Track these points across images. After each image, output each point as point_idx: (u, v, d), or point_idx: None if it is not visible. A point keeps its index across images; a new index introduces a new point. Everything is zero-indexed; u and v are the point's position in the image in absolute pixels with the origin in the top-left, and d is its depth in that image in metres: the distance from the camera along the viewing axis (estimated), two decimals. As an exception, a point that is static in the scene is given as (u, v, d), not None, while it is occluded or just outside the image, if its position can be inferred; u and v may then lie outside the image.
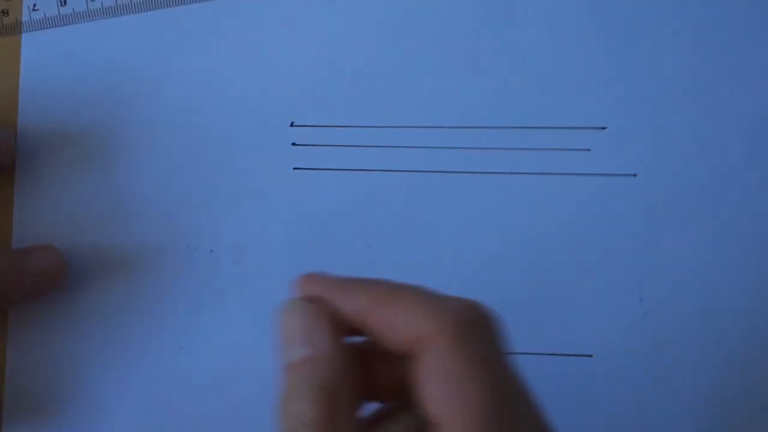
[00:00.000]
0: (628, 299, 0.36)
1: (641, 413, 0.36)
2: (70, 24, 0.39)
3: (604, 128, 0.37)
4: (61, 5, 0.39)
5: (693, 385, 0.36)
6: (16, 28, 0.39)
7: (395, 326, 0.26)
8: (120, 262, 0.38)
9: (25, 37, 0.39)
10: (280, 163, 0.38)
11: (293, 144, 0.38)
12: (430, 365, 0.25)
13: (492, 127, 0.38)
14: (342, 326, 0.27)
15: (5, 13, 0.39)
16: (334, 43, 0.38)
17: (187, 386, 0.37)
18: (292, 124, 0.38)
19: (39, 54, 0.39)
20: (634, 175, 0.37)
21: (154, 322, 0.37)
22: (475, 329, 0.25)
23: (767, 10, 0.37)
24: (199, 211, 0.38)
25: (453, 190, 0.38)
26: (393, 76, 0.38)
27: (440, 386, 0.24)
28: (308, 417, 0.25)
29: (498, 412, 0.24)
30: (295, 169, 0.38)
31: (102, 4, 0.39)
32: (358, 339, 0.27)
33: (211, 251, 0.38)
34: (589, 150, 0.37)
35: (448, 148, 0.38)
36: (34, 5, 0.39)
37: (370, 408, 0.28)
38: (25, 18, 0.39)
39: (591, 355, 0.36)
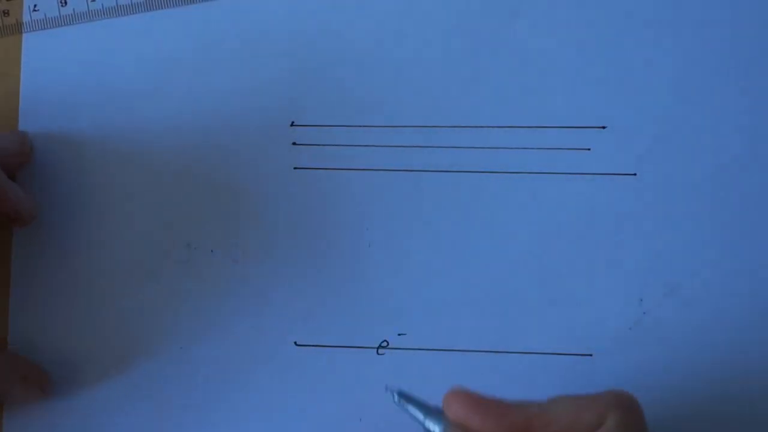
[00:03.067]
0: (628, 299, 0.36)
1: (641, 413, 0.36)
2: (70, 24, 0.39)
3: (604, 128, 0.37)
4: (62, 6, 0.39)
5: (693, 384, 0.36)
6: (16, 29, 0.39)
7: (556, 428, 0.28)
8: (120, 261, 0.38)
9: (26, 38, 0.39)
10: (280, 162, 0.38)
11: (293, 144, 0.38)
12: None
13: (492, 127, 0.38)
14: None
15: (6, 13, 0.39)
16: (334, 42, 0.38)
17: (187, 386, 0.37)
18: (292, 124, 0.38)
19: (39, 54, 0.39)
20: (634, 175, 0.37)
21: (155, 322, 0.37)
22: (632, 417, 0.28)
23: (767, 10, 0.37)
24: (199, 211, 0.38)
25: (453, 190, 0.38)
26: (393, 76, 0.38)
27: None
28: None
29: None
30: (295, 168, 0.38)
31: (102, 4, 0.39)
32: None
33: (211, 251, 0.38)
34: (589, 149, 0.37)
35: (449, 147, 0.38)
36: (35, 6, 0.39)
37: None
38: (25, 18, 0.39)
39: (591, 355, 0.36)
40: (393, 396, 0.32)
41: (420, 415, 0.31)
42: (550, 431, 0.28)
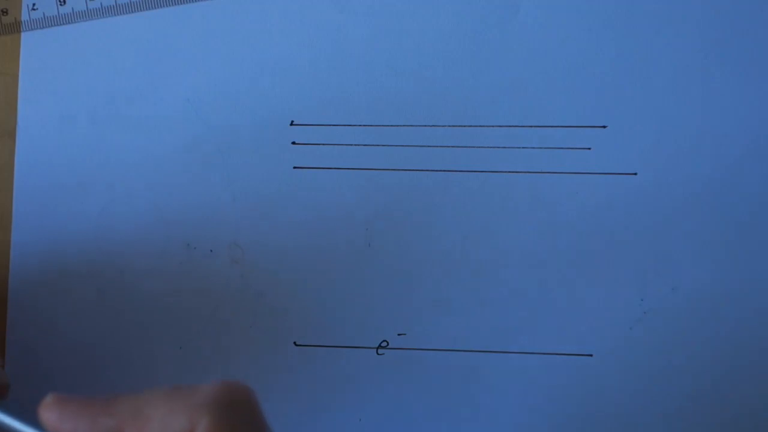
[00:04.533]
0: (628, 299, 0.36)
1: (641, 413, 0.36)
2: (69, 23, 0.39)
3: (604, 127, 0.37)
4: (61, 4, 0.39)
5: (693, 384, 0.36)
6: (15, 28, 0.39)
7: None
8: (120, 261, 0.38)
9: (25, 37, 0.39)
10: (280, 162, 0.38)
11: (293, 143, 0.38)
12: None
13: (493, 126, 0.38)
14: None
15: (5, 12, 0.39)
16: (334, 42, 0.38)
17: (187, 386, 0.37)
18: (292, 123, 0.38)
19: (38, 53, 0.39)
20: (635, 174, 0.37)
21: (155, 322, 0.37)
22: (231, 414, 0.26)
23: (767, 10, 0.37)
24: (199, 211, 0.38)
25: (453, 189, 0.38)
26: (393, 75, 0.38)
27: None
28: None
29: None
30: (295, 168, 0.38)
31: (101, 3, 0.39)
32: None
33: (211, 251, 0.38)
34: (590, 149, 0.37)
35: (449, 146, 0.38)
36: (34, 4, 0.39)
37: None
38: (24, 17, 0.39)
39: (591, 355, 0.36)
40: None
41: None
42: None
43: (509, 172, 0.37)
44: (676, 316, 0.37)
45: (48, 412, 0.27)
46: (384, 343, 0.37)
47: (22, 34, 0.39)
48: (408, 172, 0.38)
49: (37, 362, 0.38)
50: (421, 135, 0.38)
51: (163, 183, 0.38)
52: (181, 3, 0.39)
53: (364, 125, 0.38)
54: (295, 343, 0.37)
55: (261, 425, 0.27)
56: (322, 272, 0.37)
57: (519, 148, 0.37)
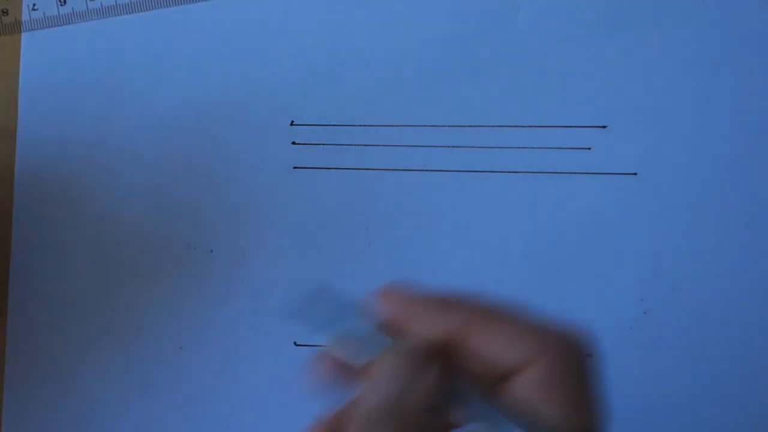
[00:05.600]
0: (628, 299, 0.36)
1: (641, 413, 0.36)
2: (69, 23, 0.39)
3: (605, 127, 0.37)
4: (61, 5, 0.39)
5: (693, 384, 0.36)
6: (15, 28, 0.39)
7: (494, 349, 0.25)
8: (120, 261, 0.38)
9: (25, 37, 0.39)
10: (280, 162, 0.38)
11: (293, 143, 0.38)
12: (525, 386, 0.24)
13: (493, 126, 0.38)
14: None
15: (5, 12, 0.39)
16: (335, 42, 0.38)
17: (186, 386, 0.37)
18: (292, 123, 0.38)
19: (39, 53, 0.39)
20: (635, 174, 0.37)
21: (154, 322, 0.37)
22: (573, 361, 0.25)
23: (767, 10, 0.37)
24: (199, 211, 0.38)
25: (453, 189, 0.38)
26: (393, 76, 0.38)
27: (534, 404, 0.24)
28: None
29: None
30: (295, 168, 0.38)
31: (102, 3, 0.39)
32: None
33: (211, 251, 0.38)
34: (590, 149, 0.37)
35: (449, 147, 0.38)
36: (34, 5, 0.39)
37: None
38: (24, 17, 0.39)
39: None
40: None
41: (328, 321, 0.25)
42: (488, 343, 0.24)
43: (509, 172, 0.37)
44: (676, 316, 0.37)
45: (388, 304, 0.25)
46: (384, 343, 0.37)
47: (23, 34, 0.39)
48: (408, 172, 0.38)
49: (37, 362, 0.38)
50: (421, 135, 0.38)
51: (163, 183, 0.38)
52: (181, 3, 0.39)
53: (364, 125, 0.38)
54: (295, 343, 0.37)
55: (594, 384, 0.25)
56: (322, 272, 0.37)
57: (519, 148, 0.37)
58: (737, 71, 0.37)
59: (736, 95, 0.37)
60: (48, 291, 0.38)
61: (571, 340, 0.26)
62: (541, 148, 0.37)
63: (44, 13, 0.39)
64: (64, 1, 0.39)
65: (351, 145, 0.38)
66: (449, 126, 0.38)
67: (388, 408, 0.24)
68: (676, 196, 0.37)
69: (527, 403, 0.24)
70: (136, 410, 0.37)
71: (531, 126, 0.38)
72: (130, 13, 0.39)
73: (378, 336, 0.25)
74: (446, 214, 0.37)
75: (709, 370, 0.36)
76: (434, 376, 0.24)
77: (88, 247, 0.38)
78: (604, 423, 0.25)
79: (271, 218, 0.38)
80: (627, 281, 0.37)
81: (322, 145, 0.38)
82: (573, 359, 0.25)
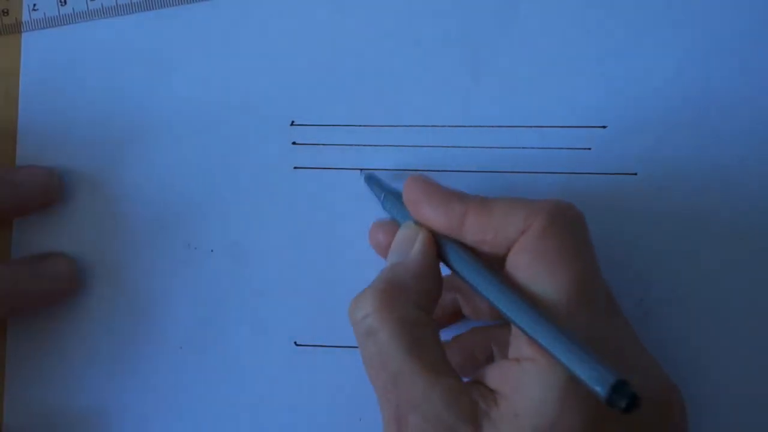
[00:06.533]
0: (628, 299, 0.36)
1: (641, 413, 0.36)
2: (70, 24, 0.39)
3: (605, 127, 0.37)
4: (61, 5, 0.39)
5: (693, 385, 0.36)
6: (16, 28, 0.39)
7: (491, 227, 0.30)
8: (120, 262, 0.38)
9: (25, 37, 0.39)
10: (280, 162, 0.38)
11: (293, 143, 0.38)
12: (523, 249, 0.29)
13: (493, 126, 0.38)
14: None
15: (5, 12, 0.39)
16: (335, 41, 0.38)
17: (187, 386, 0.37)
18: (292, 123, 0.38)
19: (39, 54, 0.39)
20: (635, 174, 0.37)
21: (154, 322, 0.37)
22: (562, 220, 0.29)
23: (767, 10, 0.37)
24: (199, 211, 0.38)
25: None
26: (393, 75, 0.38)
27: (531, 266, 0.28)
28: (369, 308, 0.29)
29: (582, 289, 0.28)
30: (295, 168, 0.38)
31: (102, 4, 0.39)
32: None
33: (211, 251, 0.38)
34: (590, 149, 0.37)
35: (449, 147, 0.38)
36: (34, 5, 0.39)
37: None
38: (25, 18, 0.39)
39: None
40: (361, 175, 0.37)
41: (381, 194, 0.35)
42: (481, 225, 0.30)
43: (509, 172, 0.37)
44: (676, 316, 0.37)
45: (412, 187, 0.32)
46: (384, 343, 0.37)
47: (23, 34, 0.39)
48: (408, 172, 0.38)
49: (37, 362, 0.38)
50: (421, 135, 0.38)
51: (163, 183, 0.38)
52: (181, 3, 0.39)
53: (364, 125, 0.38)
54: (295, 343, 0.37)
55: (585, 241, 0.30)
56: (322, 272, 0.37)
57: (519, 148, 0.37)
58: (738, 71, 0.37)
59: (736, 95, 0.37)
60: (48, 291, 0.38)
61: (559, 205, 0.30)
62: (541, 148, 0.37)
63: (44, 13, 0.39)
64: (65, 1, 0.39)
65: (351, 145, 0.38)
66: (449, 126, 0.38)
67: (385, 272, 0.31)
68: (676, 196, 0.37)
69: (525, 269, 0.29)
70: (136, 410, 0.37)
71: (531, 126, 0.37)
72: (130, 13, 0.39)
73: (406, 212, 0.33)
74: (446, 214, 0.37)
75: (710, 370, 0.36)
76: (422, 243, 0.31)
77: (87, 247, 0.38)
78: (596, 273, 0.30)
79: (272, 218, 0.38)
80: (627, 281, 0.37)
81: (322, 145, 0.38)
82: (561, 218, 0.29)
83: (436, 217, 0.31)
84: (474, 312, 0.34)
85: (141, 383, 0.37)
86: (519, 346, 0.28)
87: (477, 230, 0.30)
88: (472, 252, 0.31)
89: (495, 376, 0.29)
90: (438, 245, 0.31)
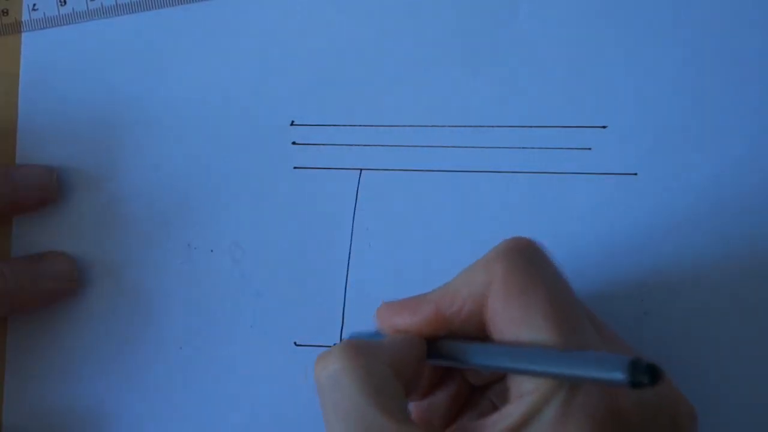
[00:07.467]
0: (628, 299, 0.36)
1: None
2: (70, 24, 0.39)
3: (605, 127, 0.37)
4: (61, 5, 0.39)
5: (693, 385, 0.36)
6: (15, 28, 0.39)
7: (462, 300, 0.29)
8: (120, 261, 0.38)
9: (25, 37, 0.39)
10: (280, 162, 0.38)
11: (293, 143, 0.38)
12: (493, 298, 0.28)
13: (493, 126, 0.38)
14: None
15: (5, 12, 0.39)
16: (335, 41, 0.38)
17: (187, 386, 0.37)
18: (292, 123, 0.38)
19: (39, 54, 0.39)
20: (635, 174, 0.37)
21: (154, 322, 0.37)
22: (518, 256, 0.29)
23: (767, 10, 0.37)
24: (199, 211, 0.38)
25: (453, 189, 0.38)
26: (393, 75, 0.38)
27: (504, 311, 0.28)
28: (335, 362, 0.29)
29: (559, 313, 0.28)
30: (295, 168, 0.38)
31: (102, 3, 0.39)
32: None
33: (211, 251, 0.38)
34: (590, 149, 0.37)
35: (449, 147, 0.38)
36: (34, 5, 0.39)
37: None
38: (24, 17, 0.39)
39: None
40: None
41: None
42: (457, 306, 0.29)
43: (509, 172, 0.37)
44: (676, 316, 0.37)
45: (382, 314, 0.32)
46: (384, 343, 0.37)
47: (23, 34, 0.39)
48: (408, 172, 0.38)
49: (37, 362, 0.38)
50: (421, 135, 0.38)
51: (164, 183, 0.38)
52: (181, 3, 0.39)
53: (364, 125, 0.38)
54: (295, 343, 0.37)
55: (547, 267, 0.30)
56: (322, 272, 0.37)
57: (519, 148, 0.37)
58: (738, 71, 0.37)
59: (737, 95, 0.37)
60: (48, 291, 0.38)
61: (512, 243, 0.30)
62: (541, 148, 0.37)
63: (44, 13, 0.39)
64: (65, 1, 0.39)
65: (351, 145, 0.38)
66: (449, 126, 0.38)
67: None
68: (677, 196, 0.37)
69: (501, 314, 0.28)
70: (136, 410, 0.37)
71: (531, 126, 0.37)
72: (130, 13, 0.39)
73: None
74: (446, 215, 0.37)
75: (710, 370, 0.36)
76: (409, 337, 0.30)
77: (87, 247, 0.38)
78: (569, 294, 0.29)
79: (272, 218, 0.38)
80: (627, 281, 0.37)
81: (322, 145, 0.38)
82: (517, 254, 0.29)
83: (417, 325, 0.31)
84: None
85: (141, 383, 0.37)
86: (520, 384, 0.28)
87: (454, 313, 0.30)
88: (462, 339, 0.30)
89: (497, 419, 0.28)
90: (427, 347, 0.31)
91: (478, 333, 0.30)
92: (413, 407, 0.33)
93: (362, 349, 0.29)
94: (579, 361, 0.26)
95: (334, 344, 0.31)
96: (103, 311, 0.38)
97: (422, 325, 0.30)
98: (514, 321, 0.28)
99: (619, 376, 0.25)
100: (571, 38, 0.38)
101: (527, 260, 0.29)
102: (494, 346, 0.29)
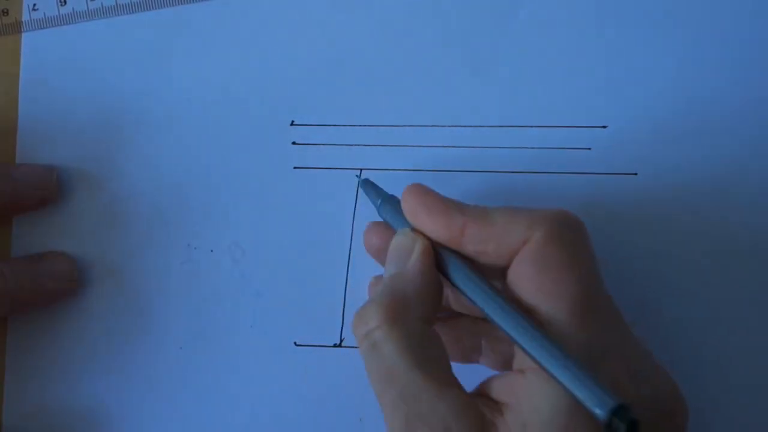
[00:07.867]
0: (627, 299, 0.36)
1: (641, 413, 0.36)
2: (70, 24, 0.39)
3: (605, 127, 0.37)
4: (61, 5, 0.39)
5: (693, 385, 0.36)
6: (16, 28, 0.39)
7: (493, 238, 0.29)
8: (120, 261, 0.38)
9: (25, 37, 0.39)
10: (280, 162, 0.38)
11: (293, 143, 0.38)
12: (526, 259, 0.28)
13: (493, 126, 0.38)
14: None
15: (5, 12, 0.39)
16: (335, 41, 0.38)
17: (187, 386, 0.37)
18: (292, 123, 0.38)
19: (39, 54, 0.39)
20: (635, 174, 0.37)
21: (154, 321, 0.37)
22: (565, 229, 0.29)
23: (767, 10, 0.37)
24: (199, 211, 0.38)
25: (453, 190, 0.37)
26: (393, 75, 0.38)
27: (535, 277, 0.28)
28: (374, 322, 0.29)
29: (587, 300, 0.28)
30: (295, 168, 0.38)
31: (102, 3, 0.39)
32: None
33: (211, 251, 0.38)
34: (590, 149, 0.37)
35: (449, 147, 0.38)
36: (34, 5, 0.39)
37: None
38: (25, 17, 0.39)
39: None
40: (358, 180, 0.37)
41: (377, 200, 0.34)
42: (483, 238, 0.29)
43: (509, 172, 0.37)
44: (676, 316, 0.37)
45: (410, 196, 0.32)
46: (384, 343, 0.37)
47: (23, 34, 0.39)
48: (408, 171, 0.38)
49: (37, 362, 0.38)
50: (421, 135, 0.38)
51: (164, 183, 0.38)
52: (181, 3, 0.39)
53: (364, 125, 0.38)
54: (295, 343, 0.37)
55: (588, 251, 0.30)
56: (322, 272, 0.37)
57: (519, 148, 0.37)
58: (738, 71, 0.37)
59: (736, 95, 0.37)
60: (48, 291, 0.38)
61: (561, 215, 0.29)
62: (541, 148, 0.37)
63: (44, 13, 0.39)
64: (65, 1, 0.39)
65: (351, 145, 0.38)
66: (449, 126, 0.38)
67: (386, 285, 0.30)
68: (676, 196, 0.37)
69: (529, 281, 0.28)
70: (136, 410, 0.37)
71: (531, 126, 0.38)
72: (130, 13, 0.39)
73: (402, 219, 0.32)
74: (446, 214, 0.37)
75: (710, 371, 0.36)
76: (421, 253, 0.30)
77: (87, 247, 0.38)
78: (600, 283, 0.29)
79: (272, 218, 0.38)
80: (627, 281, 0.37)
81: (322, 145, 0.38)
82: (564, 228, 0.29)
83: (436, 228, 0.31)
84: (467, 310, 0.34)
85: (141, 383, 0.37)
86: (523, 357, 0.28)
87: (477, 241, 0.30)
88: (471, 263, 0.30)
89: (500, 387, 0.29)
90: (436, 255, 0.31)
91: (483, 267, 0.30)
92: None
93: (400, 308, 0.29)
94: (573, 374, 0.26)
95: (370, 299, 0.30)
96: (103, 311, 0.38)
97: (441, 230, 0.30)
98: (542, 290, 0.28)
99: (599, 412, 0.25)
100: (572, 38, 0.38)
101: (572, 236, 0.29)
102: (511, 312, 0.28)
